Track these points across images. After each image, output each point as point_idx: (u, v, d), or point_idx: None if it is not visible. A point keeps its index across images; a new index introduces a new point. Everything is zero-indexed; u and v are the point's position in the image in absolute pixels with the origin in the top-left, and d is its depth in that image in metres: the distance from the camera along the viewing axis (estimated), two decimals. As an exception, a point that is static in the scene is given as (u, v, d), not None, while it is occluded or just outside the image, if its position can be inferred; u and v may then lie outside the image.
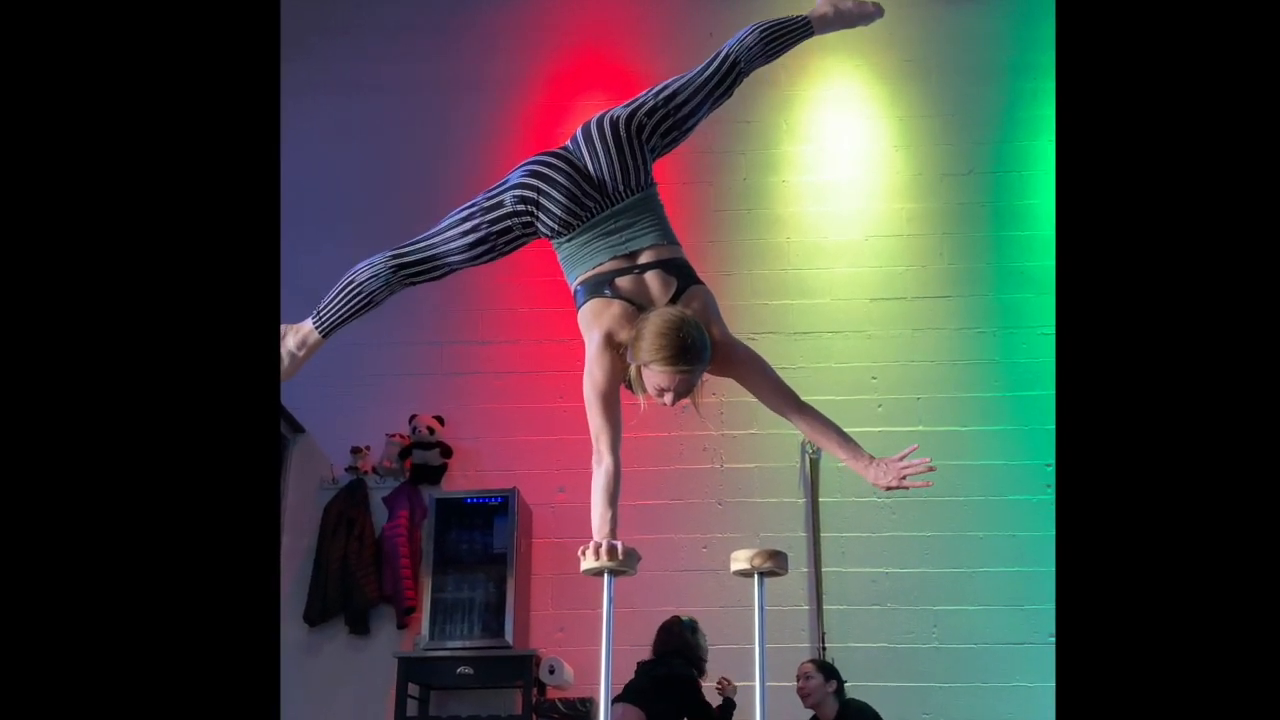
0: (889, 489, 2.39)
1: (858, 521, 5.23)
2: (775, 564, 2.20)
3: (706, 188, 5.86)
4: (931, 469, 2.35)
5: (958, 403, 5.41)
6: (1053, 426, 4.81)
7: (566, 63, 6.11)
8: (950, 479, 4.96)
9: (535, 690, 4.86)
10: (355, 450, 5.42)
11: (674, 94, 2.53)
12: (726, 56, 2.58)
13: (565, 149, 2.50)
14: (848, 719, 4.24)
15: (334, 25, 6.20)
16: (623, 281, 2.41)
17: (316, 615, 5.14)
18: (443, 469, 5.41)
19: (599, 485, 2.31)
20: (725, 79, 2.57)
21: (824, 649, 4.96)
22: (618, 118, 2.48)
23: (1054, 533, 2.87)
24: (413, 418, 5.42)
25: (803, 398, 2.47)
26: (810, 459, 5.32)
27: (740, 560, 2.22)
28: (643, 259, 2.43)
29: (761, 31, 2.62)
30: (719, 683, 4.34)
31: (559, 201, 2.42)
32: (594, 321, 2.40)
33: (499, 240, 2.49)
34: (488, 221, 2.47)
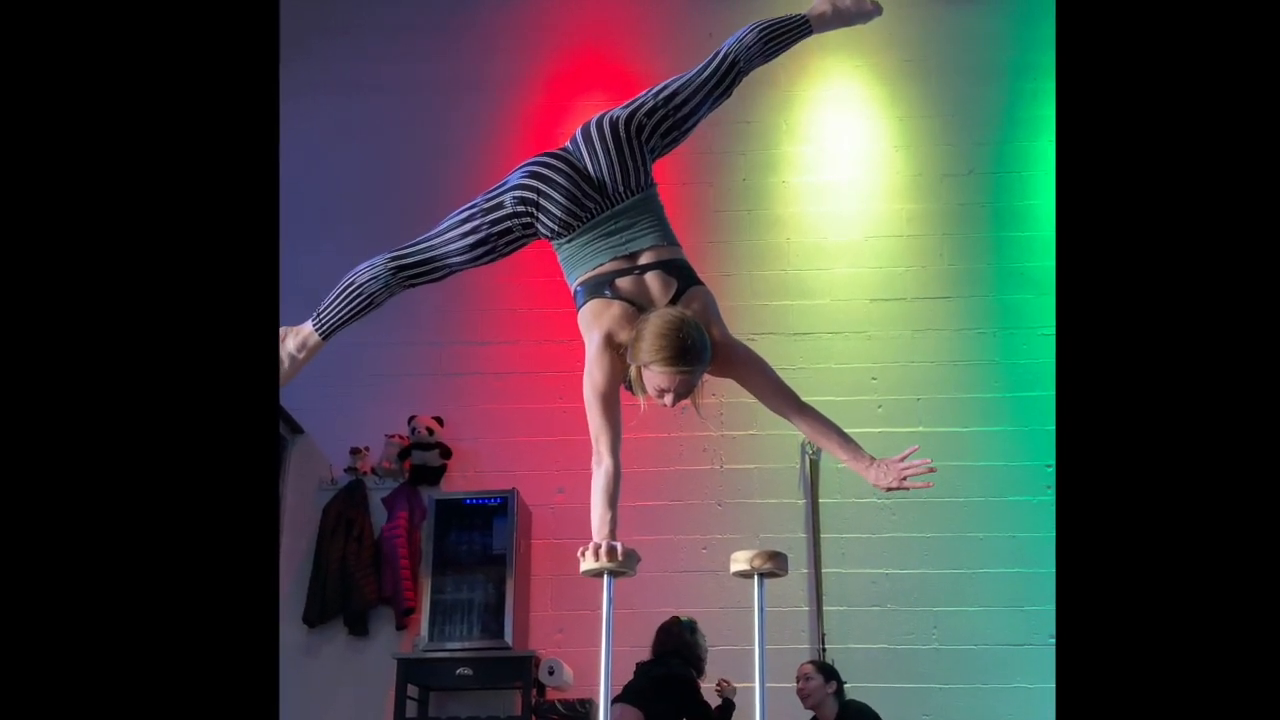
0: (889, 490, 2.39)
1: (858, 522, 5.23)
2: (775, 565, 2.19)
3: (706, 188, 5.86)
4: (932, 470, 2.35)
5: (958, 404, 5.41)
6: (1053, 427, 4.81)
7: (566, 63, 6.11)
8: (950, 480, 4.96)
9: (534, 691, 4.85)
10: (354, 451, 5.42)
11: (673, 94, 2.53)
12: (725, 56, 2.58)
13: (565, 150, 2.49)
14: (847, 720, 4.24)
15: (334, 25, 6.20)
16: (623, 282, 2.41)
17: (315, 616, 5.14)
18: (442, 470, 5.41)
19: (599, 486, 2.31)
20: (725, 79, 2.57)
21: (824, 650, 4.96)
22: (617, 118, 2.48)
23: (1054, 534, 2.87)
24: (412, 418, 5.42)
25: (803, 398, 2.47)
26: (810, 460, 5.31)
27: (740, 561, 2.21)
28: (643, 260, 2.43)
29: (760, 31, 2.62)
30: (718, 684, 4.34)
31: (559, 202, 2.42)
32: (594, 322, 2.40)
33: (499, 241, 2.49)
34: (488, 223, 2.47)
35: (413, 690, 4.87)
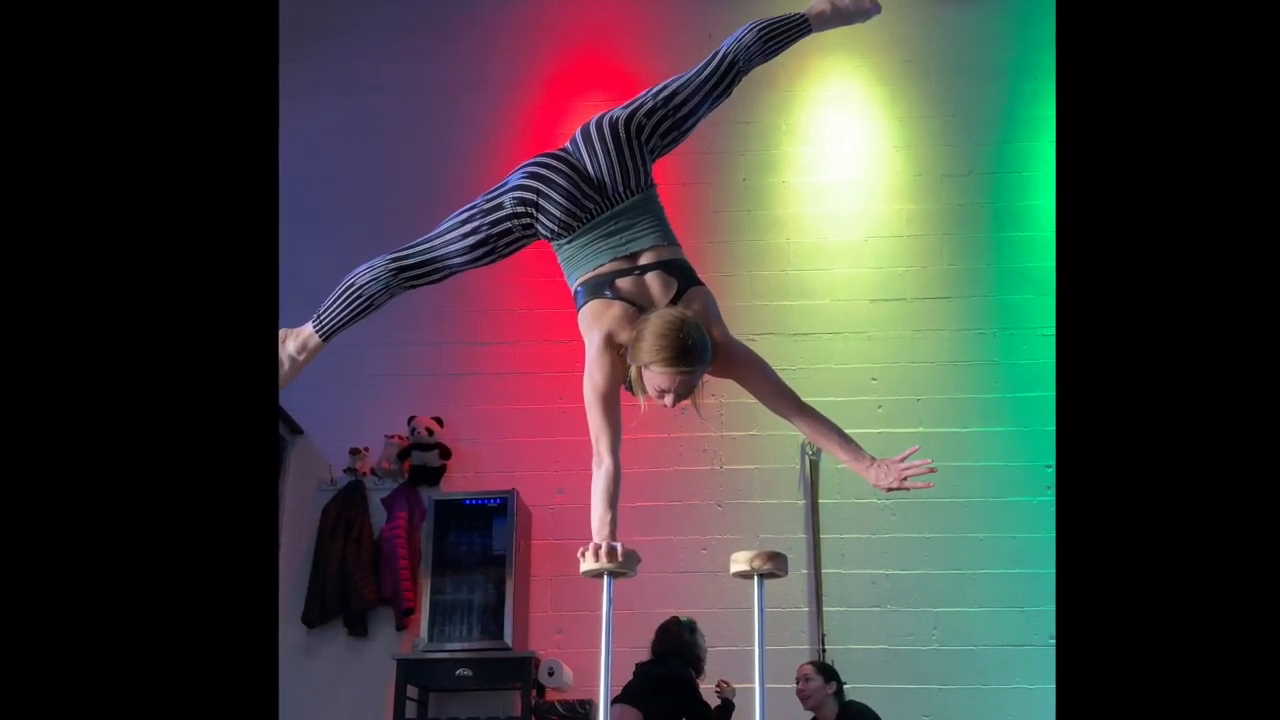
0: (890, 490, 2.39)
1: (857, 523, 5.23)
2: (775, 566, 2.19)
3: (706, 189, 5.86)
4: (933, 470, 2.35)
5: (958, 404, 5.41)
6: (1053, 428, 4.80)
7: (566, 63, 6.11)
8: (950, 480, 4.95)
9: (534, 692, 4.85)
10: (354, 452, 5.41)
11: (673, 94, 2.53)
12: (725, 56, 2.58)
13: (565, 150, 2.49)
14: (847, 721, 4.24)
15: (334, 25, 6.20)
16: (623, 283, 2.41)
17: (315, 617, 5.13)
18: (441, 470, 5.41)
19: (599, 487, 2.31)
20: (724, 78, 2.57)
21: (824, 651, 4.95)
22: (617, 119, 2.48)
23: (1054, 534, 2.87)
24: (411, 419, 5.41)
25: (803, 399, 2.46)
26: (810, 460, 5.31)
27: (740, 562, 2.21)
28: (643, 260, 2.43)
29: (759, 30, 2.62)
30: (718, 685, 4.33)
31: (559, 203, 2.42)
32: (594, 323, 2.40)
33: (499, 242, 2.49)
34: (488, 224, 2.47)
35: (412, 691, 4.87)
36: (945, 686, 4.95)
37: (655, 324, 2.29)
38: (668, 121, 2.52)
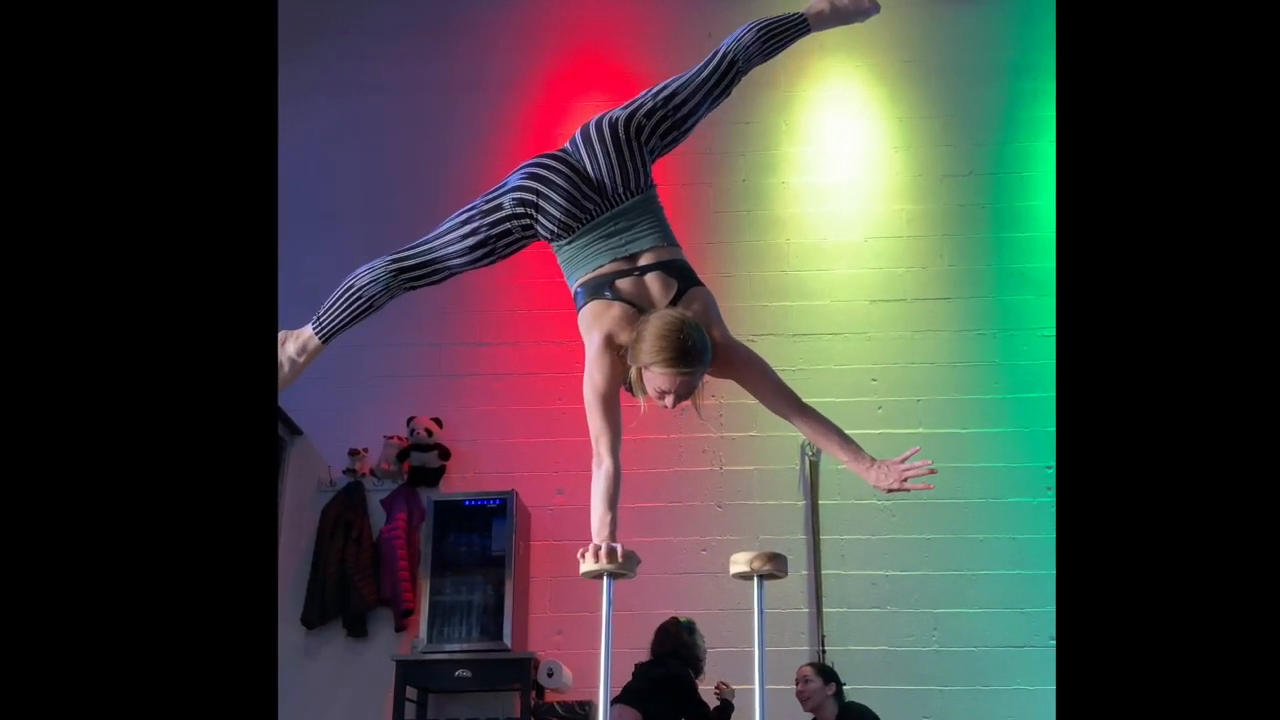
0: (890, 491, 2.39)
1: (857, 524, 5.22)
2: (775, 567, 2.19)
3: (706, 189, 5.86)
4: (933, 471, 2.34)
5: (958, 405, 5.41)
6: (1053, 429, 4.80)
7: (565, 63, 6.10)
8: (950, 481, 4.92)
9: (533, 693, 4.85)
10: (353, 452, 5.41)
11: (673, 94, 2.53)
12: (724, 55, 2.57)
13: (564, 151, 2.49)
14: (847, 722, 4.23)
15: (333, 26, 6.20)
16: (623, 283, 2.41)
17: (314, 618, 5.13)
18: (441, 471, 5.40)
19: (598, 488, 2.30)
20: (724, 78, 2.56)
21: (823, 652, 4.95)
22: (616, 119, 2.48)
23: (1054, 535, 2.86)
24: (411, 420, 5.41)
25: (803, 400, 2.46)
26: (810, 461, 5.31)
27: (740, 563, 2.21)
28: (643, 261, 2.43)
29: (759, 30, 2.62)
30: (717, 687, 4.33)
31: (558, 204, 2.41)
32: (594, 324, 2.40)
33: (498, 243, 2.49)
34: (487, 225, 2.47)
35: (411, 692, 4.86)
36: (945, 688, 4.94)
37: (655, 325, 2.28)
38: (667, 122, 2.51)
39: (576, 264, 2.46)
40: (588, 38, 6.17)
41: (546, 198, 2.42)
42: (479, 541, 5.10)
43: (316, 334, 2.59)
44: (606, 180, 2.44)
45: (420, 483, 5.36)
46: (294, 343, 2.60)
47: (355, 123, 6.03)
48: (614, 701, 3.91)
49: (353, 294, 2.55)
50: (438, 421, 5.43)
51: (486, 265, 2.55)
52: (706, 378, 2.40)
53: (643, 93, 2.54)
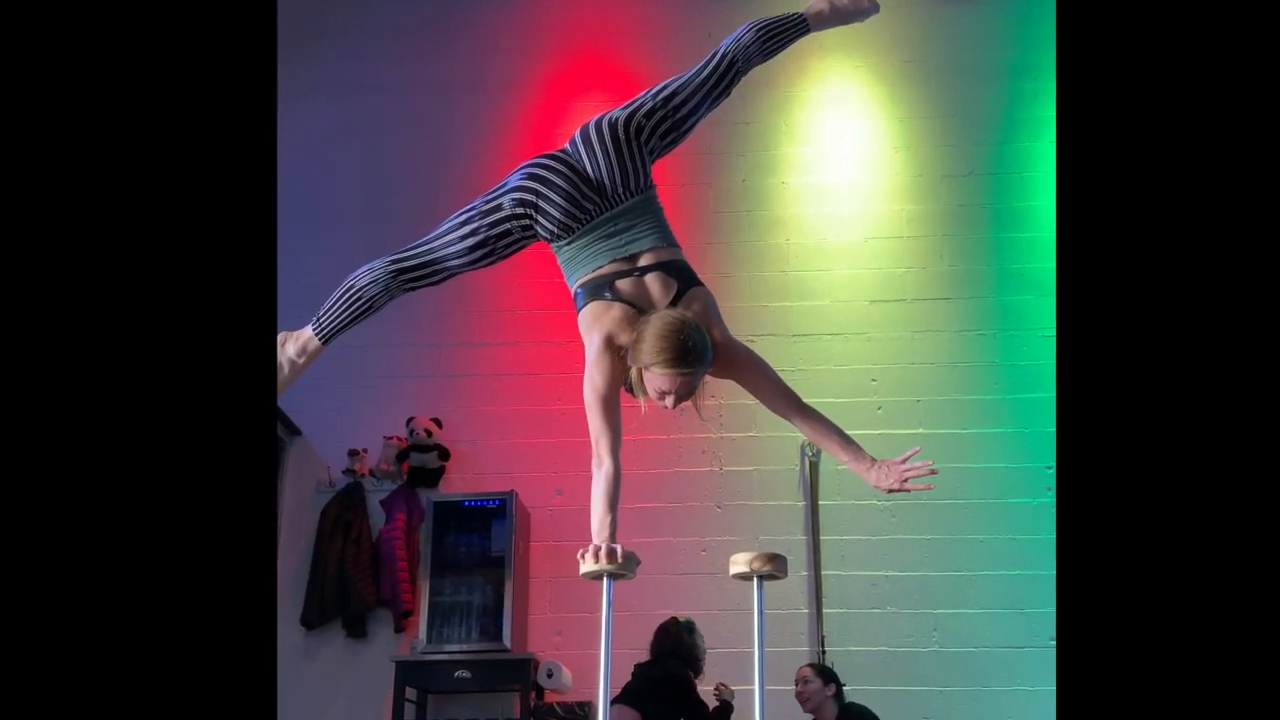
0: (890, 491, 2.39)
1: (857, 525, 5.22)
2: (774, 567, 2.19)
3: (705, 189, 5.85)
4: (933, 471, 2.34)
5: (958, 405, 5.40)
6: (1053, 429, 4.80)
7: (565, 64, 6.10)
8: (950, 482, 4.92)
9: (533, 694, 4.84)
10: (352, 453, 5.40)
11: (672, 95, 2.53)
12: (724, 56, 2.57)
13: (564, 152, 2.49)
14: (847, 723, 4.23)
15: (333, 25, 6.20)
16: (623, 284, 2.41)
17: (313, 619, 5.12)
18: (440, 472, 5.40)
19: (598, 488, 2.30)
20: (723, 78, 2.56)
21: (823, 653, 4.95)
22: (616, 120, 2.48)
23: (1054, 536, 2.86)
24: (410, 420, 5.40)
25: (803, 400, 2.46)
26: (810, 461, 5.30)
27: (739, 563, 2.21)
28: (643, 261, 2.43)
29: (758, 30, 2.62)
30: (716, 688, 4.33)
31: (558, 204, 2.41)
32: (594, 324, 2.40)
33: (498, 244, 2.49)
34: (486, 225, 2.46)
35: (411, 693, 4.86)
36: (945, 688, 4.94)
37: (655, 326, 2.28)
38: (667, 122, 2.51)
39: (576, 265, 2.46)
40: (588, 38, 6.17)
41: (546, 198, 2.42)
42: (478, 542, 5.09)
43: (316, 335, 2.59)
44: (606, 181, 2.44)
45: (420, 483, 5.36)
46: (294, 344, 2.60)
47: (355, 123, 6.03)
48: (613, 702, 3.91)
49: (352, 295, 2.55)
50: (437, 422, 5.42)
51: (486, 266, 2.55)
52: (706, 378, 2.40)
53: (642, 93, 2.54)
